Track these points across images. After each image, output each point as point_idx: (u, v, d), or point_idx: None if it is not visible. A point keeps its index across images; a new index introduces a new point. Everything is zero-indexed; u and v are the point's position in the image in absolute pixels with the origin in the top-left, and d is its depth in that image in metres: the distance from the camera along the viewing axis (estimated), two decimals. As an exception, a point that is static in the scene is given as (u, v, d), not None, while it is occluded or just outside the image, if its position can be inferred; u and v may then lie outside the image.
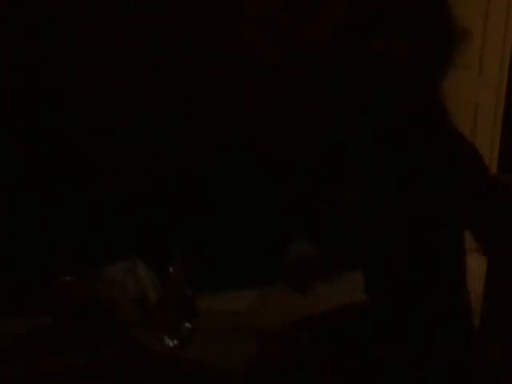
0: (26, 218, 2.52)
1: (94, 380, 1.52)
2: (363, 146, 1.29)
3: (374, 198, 1.25)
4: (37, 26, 2.40)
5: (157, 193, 2.55)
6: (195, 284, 1.83)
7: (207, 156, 2.55)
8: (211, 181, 2.59)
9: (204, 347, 1.66)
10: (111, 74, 2.44)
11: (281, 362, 1.51)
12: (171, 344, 1.63)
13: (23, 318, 1.83)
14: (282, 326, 1.56)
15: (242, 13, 2.39)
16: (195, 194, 2.58)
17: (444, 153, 1.15)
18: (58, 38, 2.42)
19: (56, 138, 2.52)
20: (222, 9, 2.41)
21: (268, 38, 2.40)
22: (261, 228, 2.60)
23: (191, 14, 2.41)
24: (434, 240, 1.21)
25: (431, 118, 1.19)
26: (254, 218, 2.59)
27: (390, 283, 1.32)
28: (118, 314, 1.68)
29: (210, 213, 2.59)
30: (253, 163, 2.53)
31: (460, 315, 1.29)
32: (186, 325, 1.70)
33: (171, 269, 1.71)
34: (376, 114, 1.18)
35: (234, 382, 1.52)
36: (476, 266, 1.56)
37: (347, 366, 1.31)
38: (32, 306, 1.86)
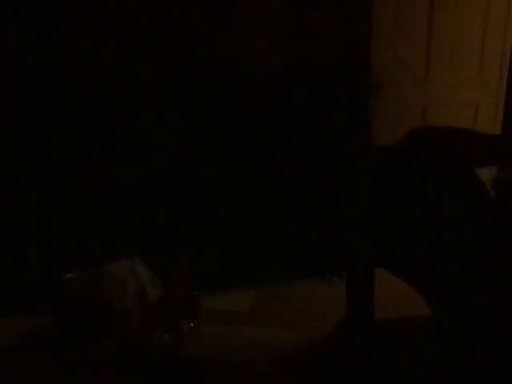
0: (27, 218, 2.52)
1: (93, 379, 1.53)
2: None
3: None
4: (37, 26, 2.40)
5: (157, 193, 2.55)
6: (196, 284, 1.83)
7: (207, 156, 2.55)
8: (212, 181, 2.59)
9: (204, 345, 1.67)
10: (111, 74, 2.44)
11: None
12: (170, 341, 1.63)
13: (23, 318, 1.83)
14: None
15: (241, 13, 2.39)
16: (195, 194, 2.58)
17: None
18: (58, 38, 2.42)
19: (56, 137, 2.52)
20: (221, 9, 2.41)
21: (268, 38, 2.40)
22: (261, 228, 2.60)
23: (191, 13, 2.41)
24: None
25: None
26: (254, 218, 2.59)
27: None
28: (117, 311, 1.68)
29: (210, 213, 2.59)
30: (253, 163, 2.53)
31: None
32: (189, 323, 1.71)
33: (180, 266, 1.72)
34: None
35: (233, 380, 1.52)
36: None
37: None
38: (32, 306, 1.86)
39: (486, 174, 1.39)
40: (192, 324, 1.73)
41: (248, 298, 2.35)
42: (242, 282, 2.40)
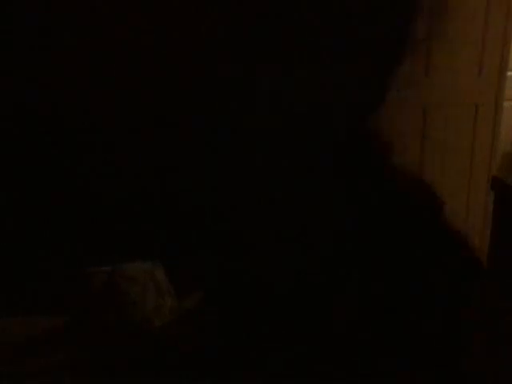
0: (42, 216, 2.52)
1: (93, 380, 1.53)
2: None
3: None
4: (37, 25, 2.40)
5: (157, 193, 2.54)
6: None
7: (207, 156, 2.55)
8: (211, 181, 2.59)
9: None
10: (111, 74, 2.44)
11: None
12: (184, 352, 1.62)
13: (23, 317, 1.83)
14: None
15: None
16: (196, 194, 2.58)
17: None
18: (57, 37, 2.42)
19: (61, 136, 2.52)
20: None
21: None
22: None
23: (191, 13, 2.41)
24: None
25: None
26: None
27: None
28: (133, 317, 1.66)
29: (210, 212, 2.59)
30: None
31: None
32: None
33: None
34: None
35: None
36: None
37: None
38: (45, 305, 1.86)
39: None
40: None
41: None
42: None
